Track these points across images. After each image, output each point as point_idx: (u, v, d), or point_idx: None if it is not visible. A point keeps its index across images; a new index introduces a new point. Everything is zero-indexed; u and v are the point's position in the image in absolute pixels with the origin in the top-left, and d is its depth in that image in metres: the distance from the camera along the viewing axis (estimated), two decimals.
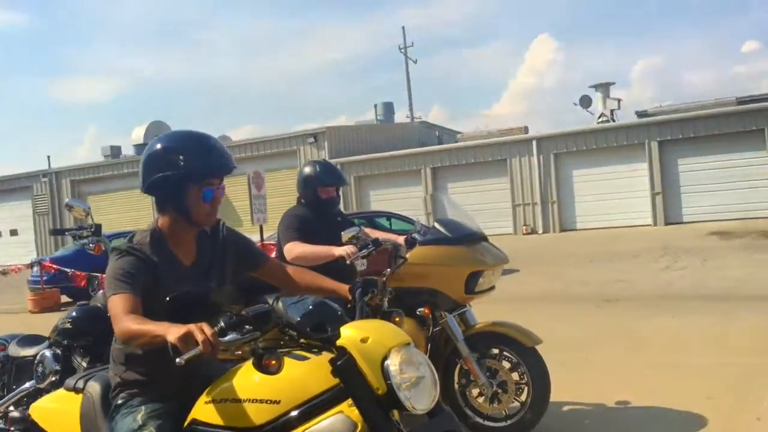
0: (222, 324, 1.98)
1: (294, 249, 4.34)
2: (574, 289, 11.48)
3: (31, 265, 16.61)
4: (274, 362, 1.95)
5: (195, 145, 2.47)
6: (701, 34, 73.08)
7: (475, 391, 4.60)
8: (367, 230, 4.91)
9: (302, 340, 2.15)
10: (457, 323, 4.63)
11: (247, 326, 1.98)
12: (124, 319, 2.18)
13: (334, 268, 3.93)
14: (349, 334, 2.10)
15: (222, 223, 2.65)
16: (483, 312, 4.80)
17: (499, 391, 4.51)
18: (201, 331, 1.91)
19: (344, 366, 2.05)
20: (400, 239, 4.75)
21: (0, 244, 32.47)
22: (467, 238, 4.73)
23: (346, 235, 4.42)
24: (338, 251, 4.27)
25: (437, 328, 4.62)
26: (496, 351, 4.61)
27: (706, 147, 19.90)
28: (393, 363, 2.03)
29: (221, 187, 2.50)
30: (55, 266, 15.10)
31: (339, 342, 2.09)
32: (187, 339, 1.91)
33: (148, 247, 2.44)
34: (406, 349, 2.09)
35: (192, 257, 2.54)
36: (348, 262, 4.21)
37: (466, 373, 4.62)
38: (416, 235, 4.80)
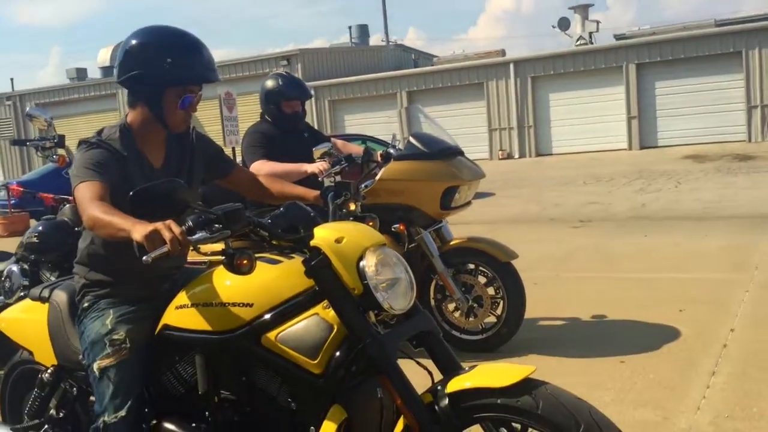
0: (190, 223, 1.88)
1: (262, 168, 4.13)
2: (549, 211, 11.53)
3: None
4: (246, 262, 1.87)
5: (185, 48, 2.33)
6: None
7: (451, 306, 4.61)
8: (339, 144, 4.79)
9: (274, 242, 2.06)
10: (433, 239, 4.59)
11: (216, 225, 1.89)
12: (91, 205, 2.08)
13: (306, 186, 3.82)
14: (323, 234, 2.02)
15: (192, 128, 2.53)
16: (458, 232, 4.76)
17: (475, 305, 4.52)
18: (168, 229, 1.81)
19: (319, 266, 1.97)
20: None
21: None
22: (443, 152, 4.63)
23: (317, 151, 4.28)
24: (310, 168, 4.14)
25: (413, 245, 4.57)
26: (471, 266, 4.60)
27: (684, 70, 19.80)
28: (369, 264, 1.96)
29: (199, 94, 2.40)
30: (22, 189, 14.81)
31: (313, 243, 2.00)
32: (154, 237, 1.81)
33: (117, 142, 2.33)
34: (382, 250, 2.02)
35: (161, 159, 2.44)
36: (320, 179, 4.10)
37: (441, 288, 4.61)
38: (391, 150, 4.69)
